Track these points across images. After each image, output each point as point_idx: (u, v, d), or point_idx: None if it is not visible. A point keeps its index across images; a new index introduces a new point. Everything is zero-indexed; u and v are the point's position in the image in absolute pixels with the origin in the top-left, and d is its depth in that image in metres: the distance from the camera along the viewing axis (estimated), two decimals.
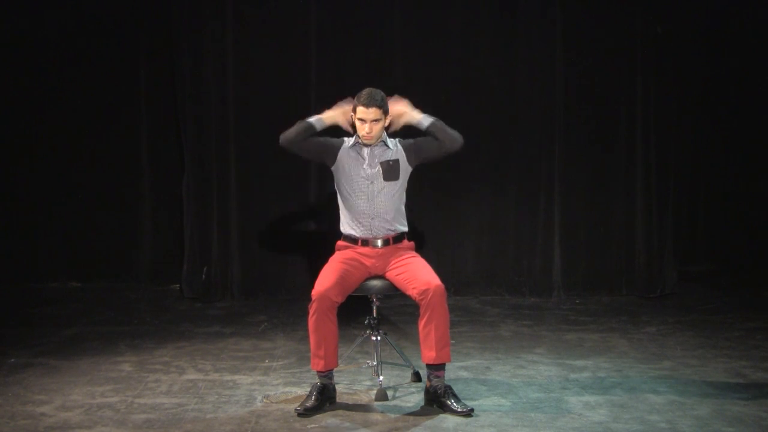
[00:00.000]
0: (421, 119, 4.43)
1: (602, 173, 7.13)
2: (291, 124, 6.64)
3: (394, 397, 4.42)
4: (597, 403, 4.30)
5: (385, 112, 4.37)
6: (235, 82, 6.98)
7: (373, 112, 4.33)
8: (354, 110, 4.38)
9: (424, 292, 4.15)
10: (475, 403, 4.26)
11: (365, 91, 4.36)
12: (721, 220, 7.76)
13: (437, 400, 4.22)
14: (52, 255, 7.45)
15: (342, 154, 4.45)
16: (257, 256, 7.07)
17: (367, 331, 4.58)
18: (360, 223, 4.42)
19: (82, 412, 4.21)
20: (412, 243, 4.52)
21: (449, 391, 4.22)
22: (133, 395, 4.47)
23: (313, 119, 4.44)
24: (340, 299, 4.24)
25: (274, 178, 6.96)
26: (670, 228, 7.11)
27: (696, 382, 4.64)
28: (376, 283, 4.41)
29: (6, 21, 7.24)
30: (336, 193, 4.52)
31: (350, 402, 4.36)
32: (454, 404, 4.16)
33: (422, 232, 6.63)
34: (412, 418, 4.12)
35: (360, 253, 4.41)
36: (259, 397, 4.43)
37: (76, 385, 4.65)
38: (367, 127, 4.34)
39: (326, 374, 4.28)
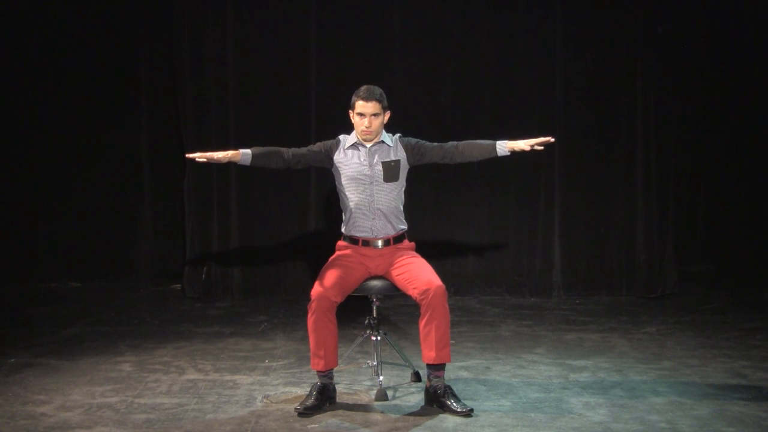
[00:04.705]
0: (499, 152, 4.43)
1: (602, 173, 7.13)
2: (290, 125, 6.67)
3: (394, 397, 4.42)
4: (597, 403, 4.30)
5: (384, 108, 4.37)
6: (235, 82, 6.98)
7: (372, 107, 4.32)
8: (352, 106, 4.38)
9: (425, 292, 4.15)
10: (475, 403, 4.26)
11: (364, 87, 4.38)
12: (721, 220, 7.76)
13: (437, 400, 4.22)
14: (52, 255, 7.45)
15: (339, 155, 4.43)
16: (257, 256, 7.07)
17: (367, 331, 4.58)
18: (360, 223, 4.42)
19: (82, 412, 4.21)
20: (412, 243, 4.52)
21: (449, 391, 4.21)
22: (133, 395, 4.47)
23: (246, 158, 4.32)
24: (339, 299, 4.24)
25: (274, 178, 6.96)
26: (670, 228, 7.12)
27: (696, 382, 4.64)
28: (376, 283, 4.41)
29: (6, 21, 7.24)
30: (336, 192, 4.52)
31: (350, 402, 4.36)
32: (454, 404, 4.16)
33: (423, 232, 6.63)
34: (412, 418, 4.12)
35: (360, 254, 4.41)
36: (259, 397, 4.43)
37: (76, 385, 4.65)
38: (366, 121, 4.33)
39: (326, 374, 4.28)
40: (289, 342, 5.62)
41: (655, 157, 7.05)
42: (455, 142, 4.45)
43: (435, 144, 4.45)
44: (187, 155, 4.36)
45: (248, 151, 4.33)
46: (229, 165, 6.95)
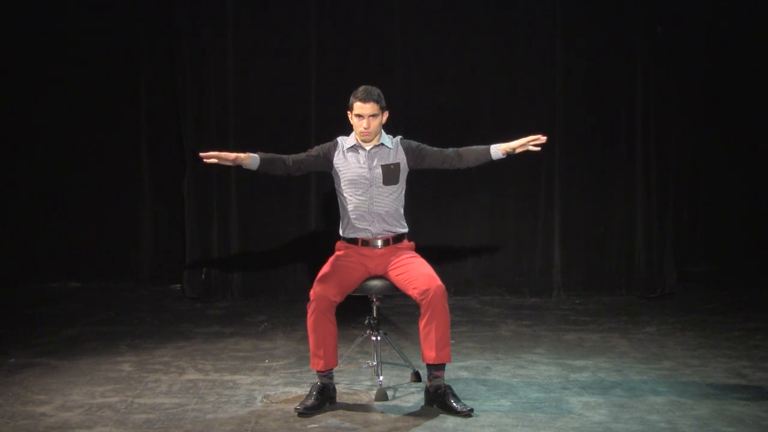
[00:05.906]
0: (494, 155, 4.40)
1: (602, 174, 7.13)
2: (290, 126, 6.65)
3: (394, 397, 4.42)
4: (597, 403, 4.30)
5: (383, 108, 4.36)
6: (235, 82, 6.98)
7: (370, 107, 4.32)
8: (350, 107, 4.37)
9: (425, 292, 4.15)
10: (475, 403, 4.26)
11: (362, 87, 4.37)
12: (721, 220, 7.76)
13: (437, 400, 4.22)
14: (52, 255, 7.45)
15: (339, 158, 4.43)
16: (257, 256, 7.07)
17: (367, 331, 4.58)
18: (359, 225, 4.41)
19: (82, 412, 4.21)
20: (412, 243, 4.51)
21: (449, 391, 4.21)
22: (133, 395, 4.47)
23: (255, 163, 4.32)
24: (338, 299, 4.24)
25: (273, 178, 6.92)
26: (670, 228, 7.12)
27: (696, 382, 4.64)
28: (376, 283, 4.41)
29: (6, 21, 7.24)
30: (336, 193, 4.52)
31: (350, 402, 4.36)
32: (454, 404, 4.16)
33: (422, 232, 6.61)
34: (412, 418, 4.12)
35: (360, 254, 4.40)
36: (259, 397, 4.43)
37: (76, 385, 4.65)
38: (364, 122, 4.32)
39: (326, 374, 4.28)
40: (289, 342, 5.63)
41: (655, 157, 7.05)
42: (454, 149, 4.43)
43: (436, 149, 4.44)
44: (200, 153, 4.28)
45: (257, 156, 4.31)
46: (230, 165, 6.99)
